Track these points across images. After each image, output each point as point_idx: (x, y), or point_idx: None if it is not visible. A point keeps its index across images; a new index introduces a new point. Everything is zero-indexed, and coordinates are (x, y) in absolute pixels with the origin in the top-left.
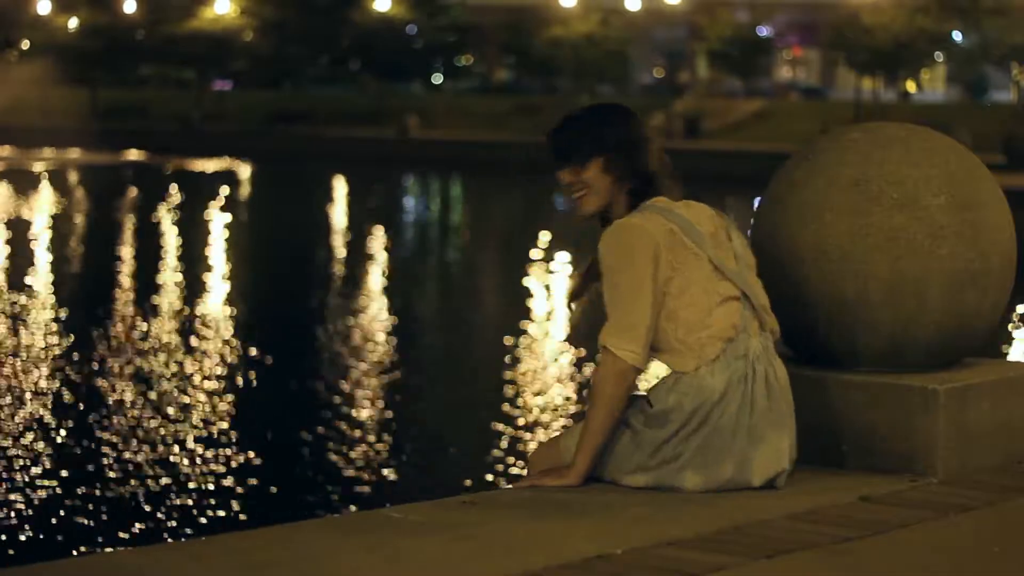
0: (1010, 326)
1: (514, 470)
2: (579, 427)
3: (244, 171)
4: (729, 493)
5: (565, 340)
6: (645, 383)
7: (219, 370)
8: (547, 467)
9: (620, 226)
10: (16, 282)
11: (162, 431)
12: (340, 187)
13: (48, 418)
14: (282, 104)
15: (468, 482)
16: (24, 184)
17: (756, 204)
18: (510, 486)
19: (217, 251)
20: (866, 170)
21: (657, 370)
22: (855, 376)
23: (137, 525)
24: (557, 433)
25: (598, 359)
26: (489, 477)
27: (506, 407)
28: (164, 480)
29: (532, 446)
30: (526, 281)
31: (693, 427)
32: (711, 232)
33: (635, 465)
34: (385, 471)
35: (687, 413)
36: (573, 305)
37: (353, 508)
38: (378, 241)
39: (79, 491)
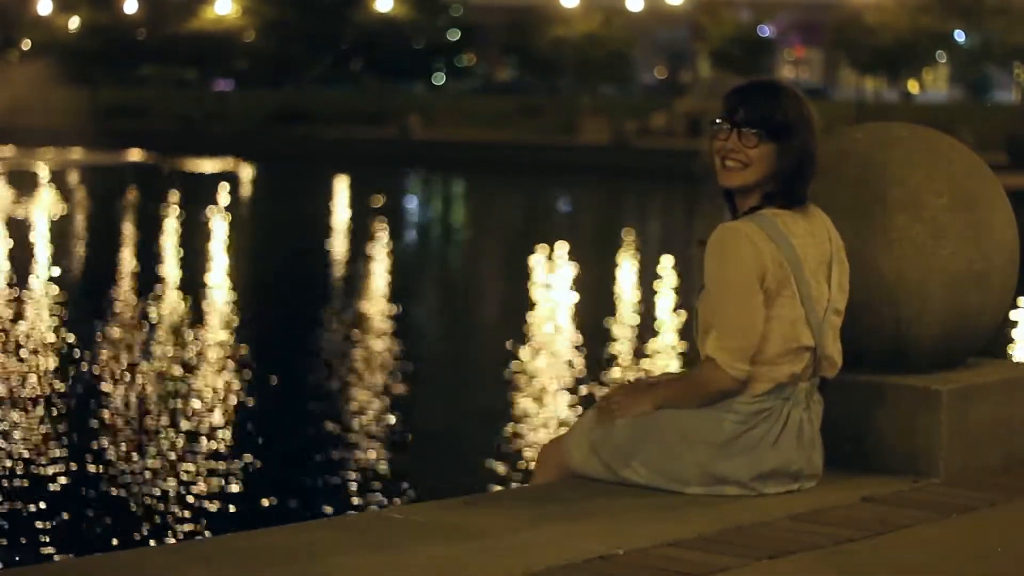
0: (1012, 326)
1: (518, 470)
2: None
3: (246, 171)
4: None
5: (570, 339)
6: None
7: (221, 370)
8: (553, 466)
9: (732, 232)
10: (17, 282)
11: (164, 432)
12: (342, 187)
13: (49, 418)
14: (284, 104)
15: (473, 482)
16: (25, 184)
17: None
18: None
19: (218, 251)
20: (868, 170)
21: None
22: (857, 376)
23: (139, 526)
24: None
25: (701, 368)
26: (491, 477)
27: (509, 407)
28: (166, 481)
29: (535, 444)
30: (529, 281)
31: (707, 441)
32: (814, 269)
33: (639, 459)
34: (387, 471)
35: (708, 425)
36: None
37: (355, 509)
38: (380, 242)
39: (80, 492)
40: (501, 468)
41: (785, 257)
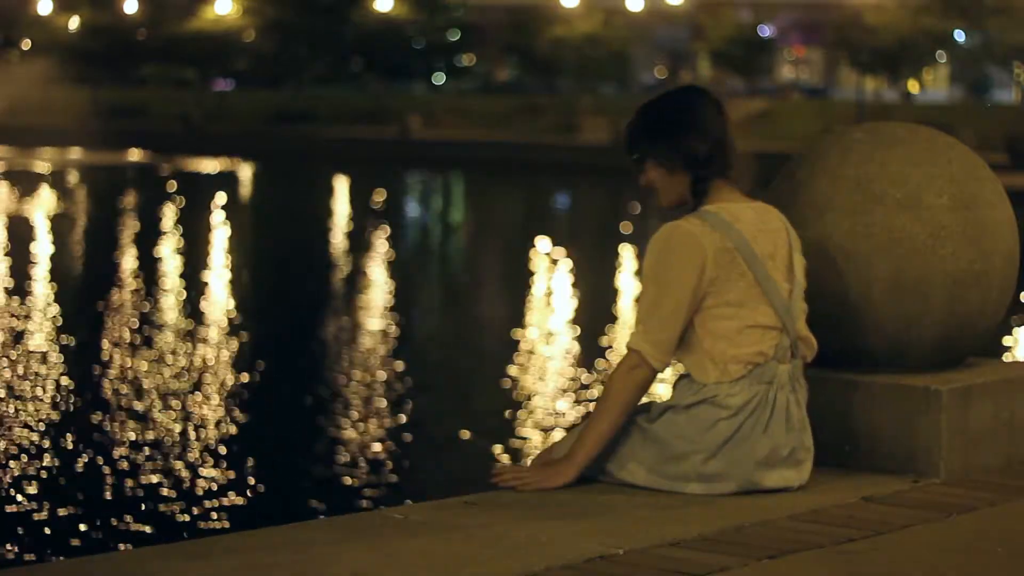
0: (1012, 326)
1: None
2: (574, 434)
3: (245, 171)
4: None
5: (569, 339)
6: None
7: (221, 370)
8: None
9: (674, 231)
10: (16, 283)
11: (163, 431)
12: (342, 187)
13: (49, 418)
14: (283, 104)
15: (471, 482)
16: (25, 184)
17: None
18: (507, 486)
19: (218, 251)
20: (868, 170)
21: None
22: (857, 376)
23: (138, 525)
24: (559, 438)
25: (623, 360)
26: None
27: (508, 407)
28: (166, 480)
29: (536, 445)
30: (529, 281)
31: (704, 445)
32: (770, 252)
33: (636, 461)
34: (386, 471)
35: (702, 428)
36: None
37: (355, 509)
38: (379, 241)
39: (79, 491)
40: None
41: (732, 243)
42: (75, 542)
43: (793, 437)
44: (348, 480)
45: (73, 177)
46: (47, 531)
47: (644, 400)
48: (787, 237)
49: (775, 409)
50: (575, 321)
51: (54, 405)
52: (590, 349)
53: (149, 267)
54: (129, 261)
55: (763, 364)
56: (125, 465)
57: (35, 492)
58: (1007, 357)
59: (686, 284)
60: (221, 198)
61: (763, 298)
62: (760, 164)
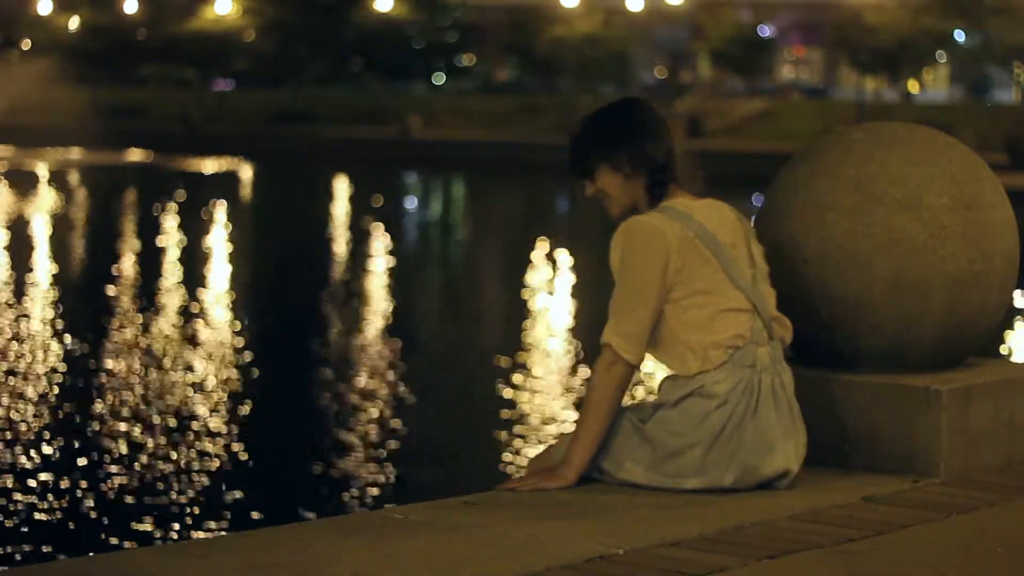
0: (1012, 326)
1: (516, 470)
2: (569, 437)
3: (245, 171)
4: (731, 493)
5: (568, 339)
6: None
7: (221, 370)
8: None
9: (635, 224)
10: (16, 283)
11: (164, 431)
12: (342, 187)
13: (50, 417)
14: (283, 104)
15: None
16: (25, 184)
17: (758, 204)
18: (507, 488)
19: (218, 251)
20: (868, 170)
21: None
22: (857, 376)
23: (139, 525)
24: (555, 439)
25: (599, 357)
26: (491, 478)
27: (508, 408)
28: (167, 480)
29: (535, 445)
30: (528, 281)
31: (699, 438)
32: (730, 241)
33: (633, 460)
34: (386, 471)
35: (694, 421)
36: None
37: (354, 508)
38: (380, 241)
39: (80, 491)
40: (502, 469)
41: (692, 231)
42: (76, 542)
43: (783, 418)
44: (348, 480)
45: (73, 177)
46: (47, 531)
47: (636, 402)
48: (742, 228)
49: (761, 392)
50: (573, 322)
51: (53, 405)
52: (591, 348)
53: (149, 267)
54: (129, 261)
55: (742, 347)
56: (125, 464)
57: (35, 491)
58: (1007, 357)
59: (652, 275)
60: (221, 198)
61: (730, 283)
62: (759, 164)
